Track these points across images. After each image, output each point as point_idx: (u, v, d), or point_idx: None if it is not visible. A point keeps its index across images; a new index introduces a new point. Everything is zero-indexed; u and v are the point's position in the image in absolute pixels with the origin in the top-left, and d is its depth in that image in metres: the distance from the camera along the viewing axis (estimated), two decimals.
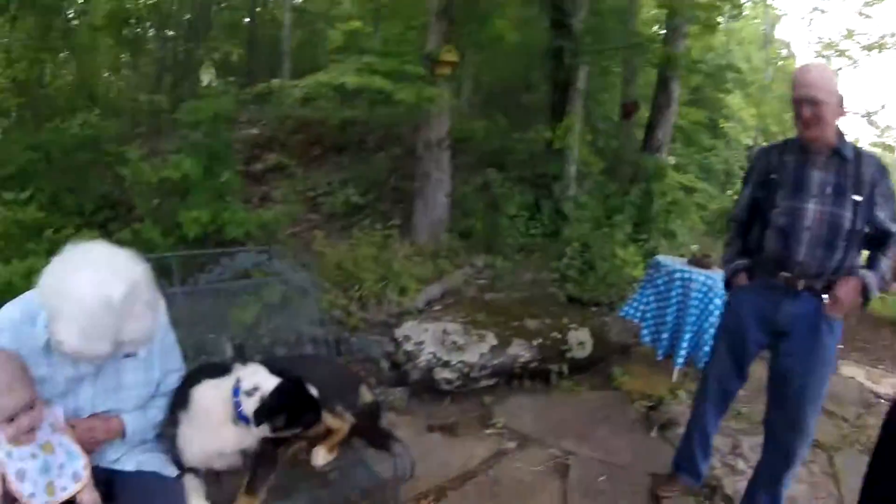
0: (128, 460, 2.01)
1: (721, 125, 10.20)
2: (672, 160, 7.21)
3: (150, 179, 3.66)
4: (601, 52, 5.89)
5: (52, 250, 3.25)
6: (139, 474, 1.98)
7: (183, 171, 3.60)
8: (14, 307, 1.83)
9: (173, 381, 2.12)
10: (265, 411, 1.92)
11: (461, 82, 5.63)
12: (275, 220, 3.76)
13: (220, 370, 2.07)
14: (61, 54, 6.53)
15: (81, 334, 1.57)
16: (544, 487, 2.82)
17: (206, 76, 10.52)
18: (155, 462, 2.02)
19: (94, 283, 1.58)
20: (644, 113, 7.16)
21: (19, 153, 3.94)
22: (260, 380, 1.98)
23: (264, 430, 1.96)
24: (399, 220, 4.95)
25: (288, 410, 1.96)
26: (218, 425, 1.98)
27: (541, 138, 5.81)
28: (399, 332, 3.74)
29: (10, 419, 1.64)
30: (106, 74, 7.24)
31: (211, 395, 2.00)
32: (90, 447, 1.86)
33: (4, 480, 1.67)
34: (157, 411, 2.06)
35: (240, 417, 1.94)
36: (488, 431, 3.32)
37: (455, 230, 5.11)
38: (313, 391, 2.02)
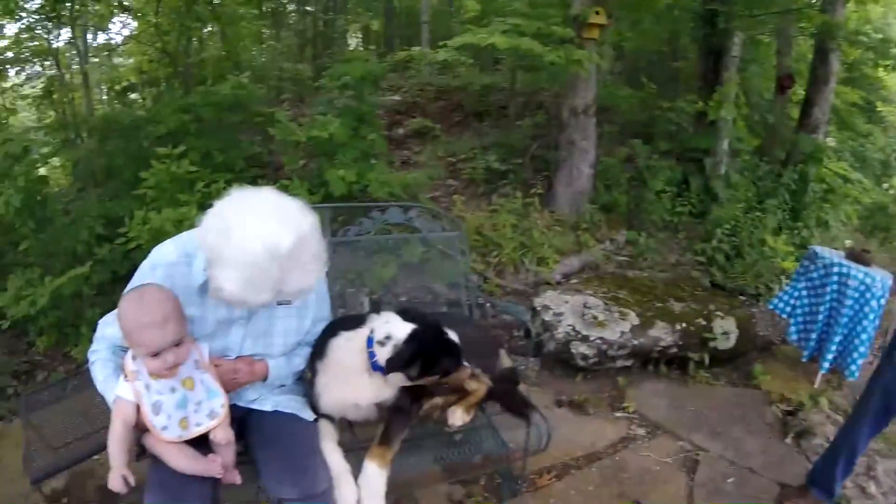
0: (265, 401, 2.05)
1: (878, 108, 8.86)
2: (832, 142, 6.46)
3: (298, 139, 3.78)
4: (756, 16, 5.35)
5: (203, 202, 3.52)
6: (276, 414, 2.03)
7: (330, 132, 3.69)
8: (170, 246, 1.87)
9: (320, 330, 2.14)
10: (398, 360, 1.90)
11: (608, 46, 5.32)
12: (417, 182, 3.79)
13: (357, 322, 2.07)
14: (206, 28, 6.78)
15: (243, 282, 1.55)
16: (670, 480, 2.72)
17: (352, 41, 10.86)
18: (292, 404, 2.06)
19: (262, 232, 1.54)
20: (797, 89, 6.41)
21: (171, 115, 4.16)
22: (393, 328, 1.96)
23: (400, 380, 1.94)
24: (540, 188, 4.81)
25: (423, 357, 1.90)
26: (353, 376, 2.00)
27: (690, 109, 5.42)
28: (538, 302, 3.66)
29: (156, 354, 1.68)
30: (250, 46, 7.54)
31: (346, 347, 2.01)
32: (231, 388, 1.91)
33: (139, 411, 1.75)
34: (301, 360, 2.10)
35: (374, 368, 1.94)
36: (618, 415, 3.23)
37: (597, 203, 4.90)
38: (452, 336, 1.96)
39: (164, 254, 1.85)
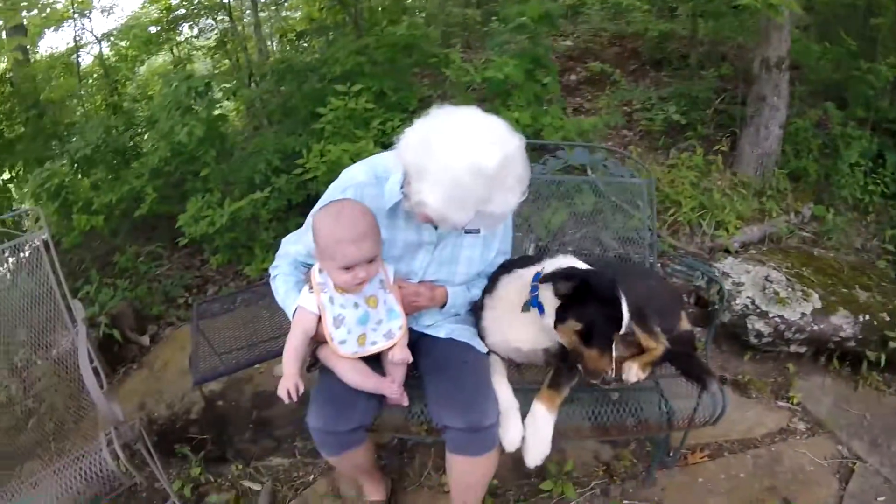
0: (440, 327, 2.05)
1: None
2: None
3: (473, 79, 3.69)
4: None
5: (378, 139, 3.57)
6: (449, 342, 2.02)
7: (506, 73, 3.56)
8: (360, 168, 1.89)
9: (499, 264, 2.11)
10: (550, 276, 1.79)
11: None
12: (593, 128, 3.56)
13: (534, 262, 1.99)
14: None
15: (446, 198, 1.52)
16: (822, 484, 2.53)
17: None
18: (466, 334, 2.04)
19: (468, 149, 1.50)
20: None
21: (346, 57, 4.24)
22: (563, 264, 1.85)
23: (551, 315, 1.82)
24: (724, 146, 4.38)
25: (577, 289, 1.76)
26: (516, 315, 1.93)
27: (890, 74, 4.61)
28: (718, 267, 3.38)
29: (349, 268, 1.70)
30: None
31: (514, 284, 1.96)
32: (409, 311, 1.91)
33: (320, 322, 1.78)
34: (478, 291, 2.07)
35: (532, 304, 1.86)
36: (781, 404, 2.99)
37: (784, 169, 4.36)
38: (621, 297, 1.77)
39: (354, 175, 1.88)
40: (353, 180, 1.86)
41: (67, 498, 1.96)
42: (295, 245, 1.98)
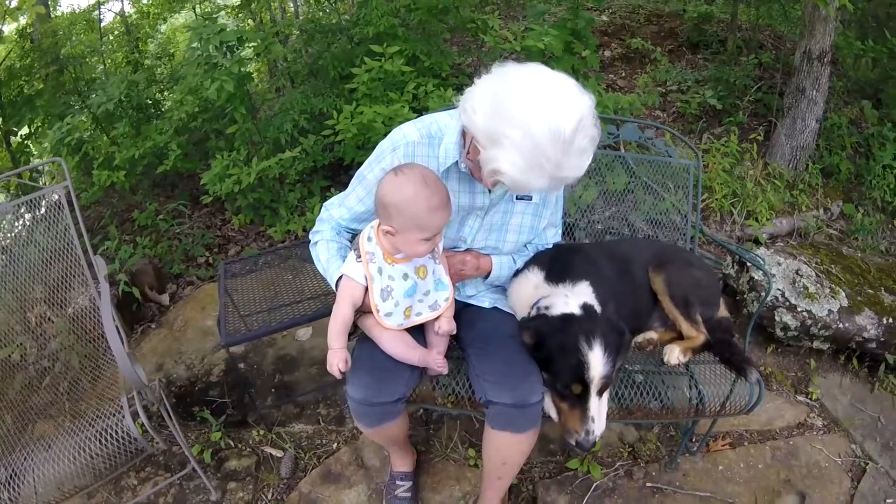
0: (484, 298, 2.02)
1: None
2: None
3: (513, 47, 3.59)
4: None
5: (412, 103, 3.49)
6: (494, 312, 1.99)
7: (546, 43, 3.45)
8: (411, 126, 1.81)
9: (549, 236, 2.07)
10: (529, 336, 1.80)
11: None
12: (630, 105, 3.47)
13: (560, 275, 1.93)
14: None
15: (526, 166, 1.42)
16: (835, 481, 2.56)
17: None
18: (508, 304, 2.02)
19: (547, 113, 1.39)
20: None
21: (379, 19, 4.12)
22: (559, 303, 1.81)
23: None
24: (758, 135, 4.30)
25: (551, 352, 1.75)
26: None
27: None
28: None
29: (428, 239, 1.65)
30: None
31: (518, 289, 1.96)
32: (455, 280, 1.87)
33: (367, 293, 1.73)
34: (522, 264, 2.03)
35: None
36: (800, 398, 3.00)
37: (818, 164, 4.29)
38: (586, 344, 1.68)
39: (406, 133, 1.80)
40: (406, 139, 1.78)
41: (82, 460, 1.90)
42: (339, 209, 1.93)
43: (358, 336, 1.90)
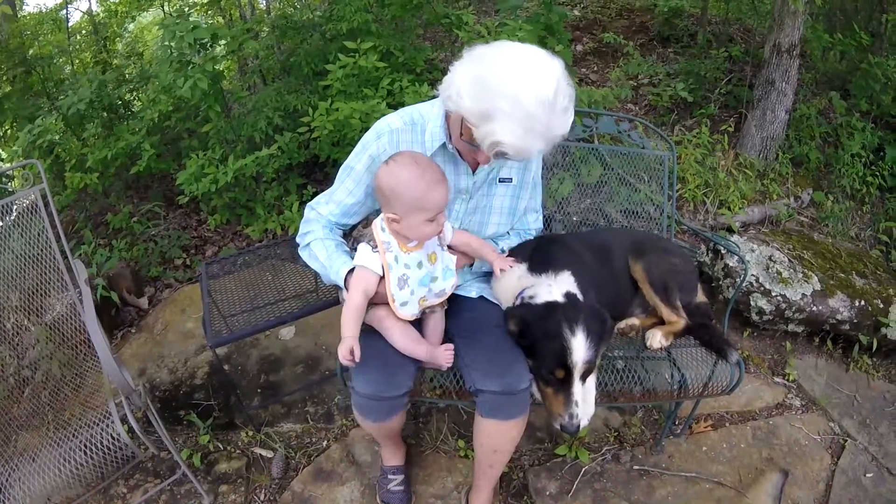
0: (470, 287, 2.06)
1: None
2: None
3: (487, 42, 3.58)
4: None
5: (387, 99, 3.47)
6: (480, 302, 2.03)
7: (519, 38, 3.45)
8: (393, 116, 1.87)
9: (530, 221, 2.13)
10: (514, 324, 1.84)
11: None
12: (604, 99, 3.51)
13: (543, 265, 1.96)
14: None
15: (523, 132, 1.51)
16: (816, 458, 2.67)
17: None
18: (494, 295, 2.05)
19: (529, 81, 1.49)
20: None
21: (352, 14, 4.09)
22: (542, 292, 1.85)
23: None
24: (729, 127, 4.39)
25: (535, 339, 1.79)
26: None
27: None
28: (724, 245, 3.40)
29: (433, 218, 1.68)
30: None
31: (504, 281, 1.97)
32: (460, 264, 1.93)
33: (381, 283, 1.74)
34: (508, 246, 2.08)
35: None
36: (778, 380, 3.10)
37: (787, 153, 4.40)
38: (568, 330, 1.72)
39: (389, 122, 1.86)
40: (389, 126, 1.84)
41: (69, 470, 1.86)
42: (327, 206, 1.94)
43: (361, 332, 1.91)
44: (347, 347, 1.68)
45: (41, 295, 2.38)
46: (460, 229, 1.94)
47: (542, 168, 2.74)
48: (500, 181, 1.94)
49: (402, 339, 1.79)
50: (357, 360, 1.69)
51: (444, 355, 1.81)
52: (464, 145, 1.74)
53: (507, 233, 2.09)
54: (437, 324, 1.90)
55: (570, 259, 2.00)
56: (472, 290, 2.06)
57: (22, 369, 2.38)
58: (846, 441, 2.75)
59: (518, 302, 1.91)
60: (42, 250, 2.38)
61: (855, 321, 3.17)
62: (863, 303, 3.18)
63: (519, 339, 1.83)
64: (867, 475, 2.60)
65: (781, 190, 4.22)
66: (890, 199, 4.43)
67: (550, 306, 1.80)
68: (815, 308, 3.15)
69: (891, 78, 4.38)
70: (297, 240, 1.98)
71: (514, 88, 1.49)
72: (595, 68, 5.23)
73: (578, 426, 1.72)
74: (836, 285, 3.24)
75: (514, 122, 1.51)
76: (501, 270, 1.87)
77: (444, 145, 1.81)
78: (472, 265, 2.04)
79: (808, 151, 4.42)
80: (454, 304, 1.99)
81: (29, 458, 1.94)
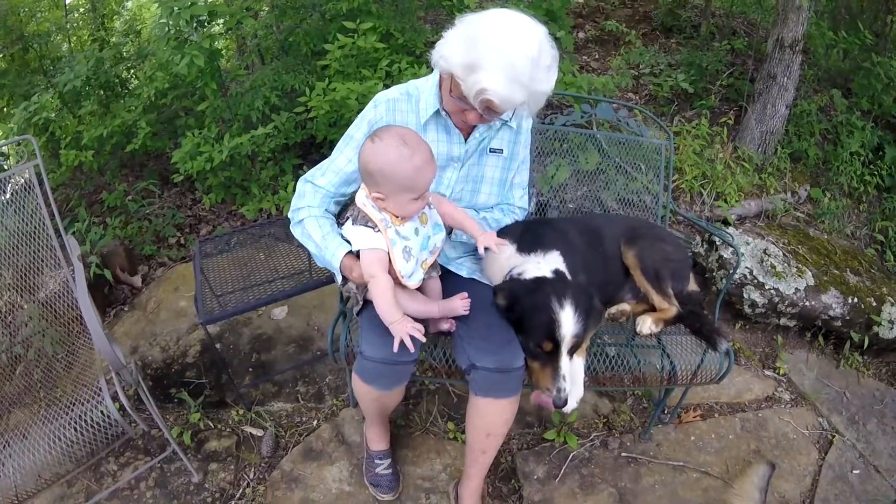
0: (462, 265, 2.09)
1: None
2: None
3: None
4: None
5: (385, 80, 3.45)
6: (472, 282, 2.05)
7: None
8: (391, 89, 1.95)
9: (515, 197, 2.16)
10: (502, 297, 1.85)
11: None
12: (604, 86, 3.49)
13: (532, 244, 1.97)
14: None
15: (506, 80, 1.62)
16: (804, 452, 2.69)
17: None
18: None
19: (513, 36, 1.62)
20: None
21: None
22: (531, 269, 1.87)
23: None
24: (729, 119, 4.37)
25: (523, 312, 1.80)
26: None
27: None
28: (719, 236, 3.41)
29: (417, 198, 1.68)
30: None
31: (494, 259, 1.98)
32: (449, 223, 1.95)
33: (389, 260, 1.73)
34: (495, 223, 2.12)
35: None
36: (768, 373, 3.12)
37: (786, 149, 4.39)
38: (557, 304, 1.73)
39: (385, 93, 1.94)
40: (384, 97, 1.92)
41: (60, 447, 1.86)
42: (324, 176, 1.94)
43: (362, 304, 1.91)
44: (403, 331, 1.66)
45: (34, 272, 2.37)
46: (446, 199, 1.94)
47: (540, 154, 2.76)
48: (490, 151, 2.00)
49: (413, 304, 1.79)
50: (419, 336, 1.67)
51: (459, 303, 1.82)
52: (453, 103, 1.80)
53: (492, 208, 2.13)
54: (436, 284, 1.92)
55: (560, 240, 2.01)
56: (464, 270, 2.08)
57: (14, 346, 2.37)
58: (834, 437, 2.77)
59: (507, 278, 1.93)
60: (36, 227, 2.35)
61: (847, 318, 3.19)
62: (856, 300, 3.20)
63: (507, 313, 1.83)
64: (854, 472, 2.62)
65: (779, 185, 4.21)
66: (887, 199, 4.42)
67: (539, 280, 1.82)
68: (807, 303, 3.17)
69: (893, 78, 4.37)
70: (290, 215, 1.96)
71: (500, 42, 1.61)
72: (596, 56, 5.19)
73: (566, 400, 1.73)
74: (829, 281, 3.26)
75: (499, 70, 1.61)
76: (486, 249, 1.85)
77: (437, 112, 1.88)
78: (450, 233, 2.06)
79: (807, 147, 4.41)
80: (446, 284, 1.99)
81: (20, 434, 1.94)
